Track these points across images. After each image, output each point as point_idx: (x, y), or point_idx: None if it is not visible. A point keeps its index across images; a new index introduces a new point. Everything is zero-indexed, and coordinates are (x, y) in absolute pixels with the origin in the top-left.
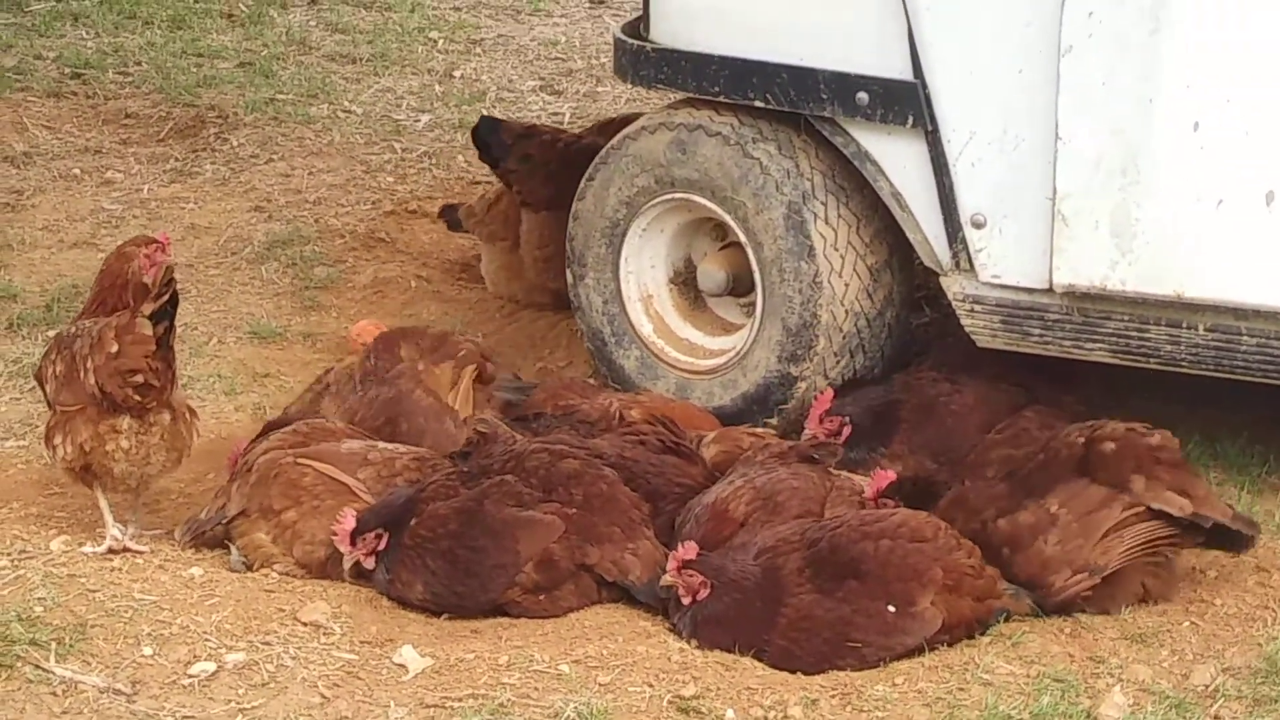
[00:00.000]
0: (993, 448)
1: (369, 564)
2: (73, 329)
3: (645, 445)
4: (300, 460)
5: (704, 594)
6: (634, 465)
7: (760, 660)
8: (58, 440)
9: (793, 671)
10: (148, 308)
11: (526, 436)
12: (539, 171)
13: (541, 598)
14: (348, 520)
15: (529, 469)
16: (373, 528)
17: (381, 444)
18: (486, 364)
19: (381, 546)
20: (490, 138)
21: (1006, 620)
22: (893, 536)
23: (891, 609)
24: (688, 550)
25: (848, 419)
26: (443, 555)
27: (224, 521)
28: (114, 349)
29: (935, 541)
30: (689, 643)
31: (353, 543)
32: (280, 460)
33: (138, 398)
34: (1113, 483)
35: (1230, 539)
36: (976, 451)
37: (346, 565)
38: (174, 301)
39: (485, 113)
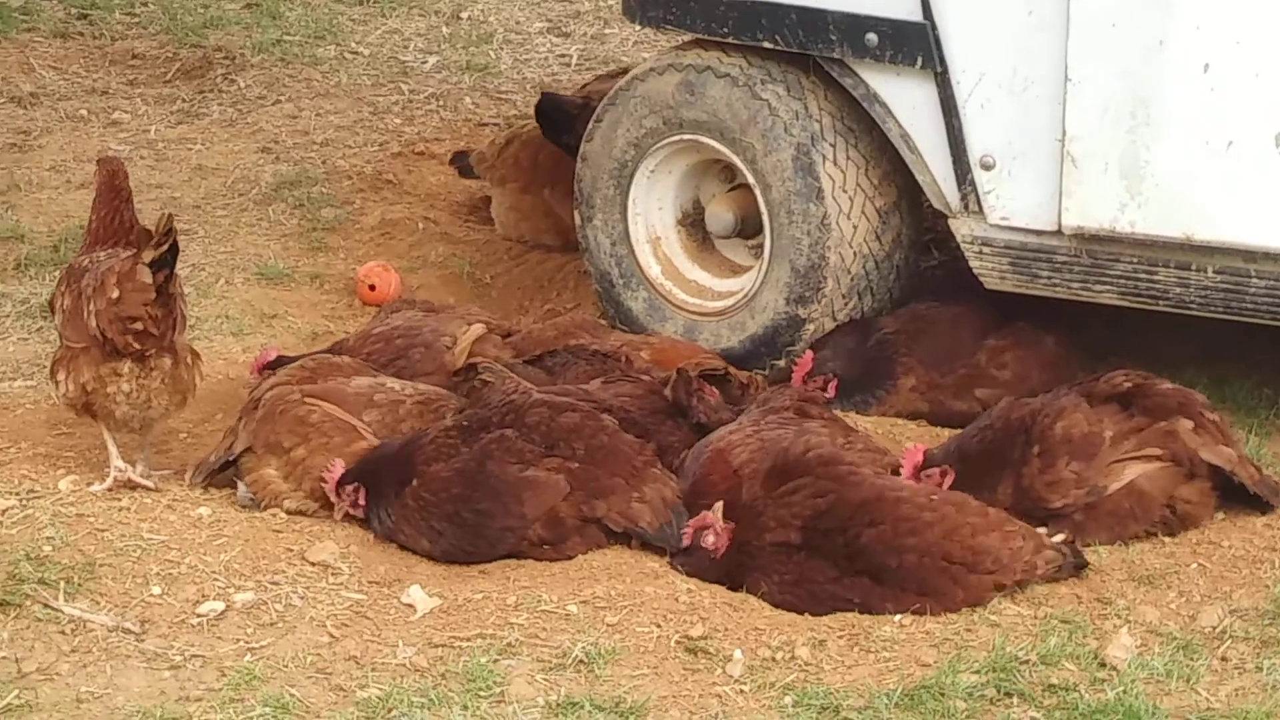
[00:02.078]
0: (1002, 351)
1: (356, 513)
2: (85, 261)
3: (641, 399)
4: (307, 399)
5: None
6: (635, 419)
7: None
8: (61, 376)
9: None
10: (148, 255)
11: (537, 381)
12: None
13: (548, 549)
14: (336, 469)
15: (530, 424)
16: (350, 482)
17: (389, 382)
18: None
19: (361, 501)
20: (554, 113)
21: None
22: (924, 553)
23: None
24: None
25: (832, 374)
26: (448, 519)
27: (232, 459)
28: (115, 295)
29: (976, 563)
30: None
31: (338, 492)
32: (287, 397)
33: (137, 345)
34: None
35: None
36: (987, 352)
37: (337, 514)
38: (174, 250)
39: (494, 53)
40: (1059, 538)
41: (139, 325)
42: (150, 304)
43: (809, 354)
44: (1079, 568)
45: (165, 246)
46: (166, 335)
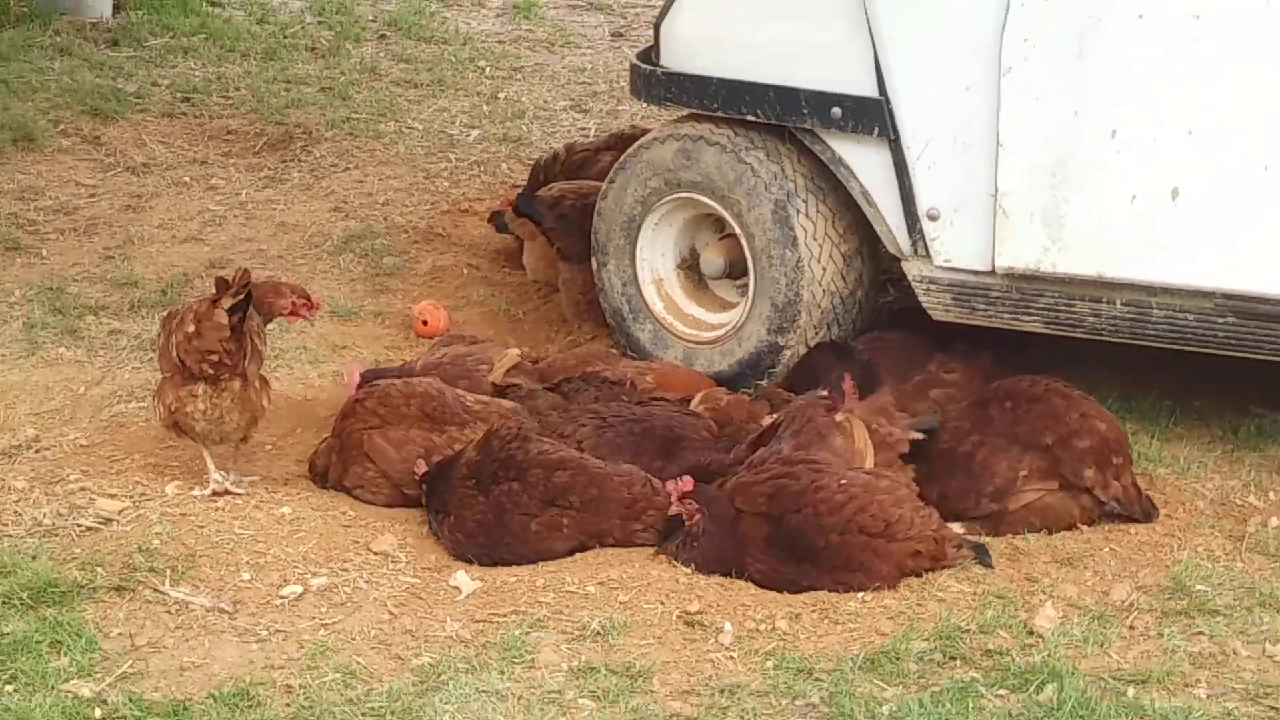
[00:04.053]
0: (950, 361)
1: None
2: (179, 308)
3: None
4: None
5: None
6: (658, 419)
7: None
8: (154, 402)
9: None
10: (227, 302)
11: (555, 406)
12: (574, 228)
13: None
14: (420, 466)
15: (530, 483)
16: (422, 482)
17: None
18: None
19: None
20: (529, 209)
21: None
22: (843, 531)
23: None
24: (685, 483)
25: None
26: (480, 550)
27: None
28: (191, 329)
29: (889, 533)
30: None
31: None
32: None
33: (210, 370)
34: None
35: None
36: (937, 363)
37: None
38: (248, 298)
39: (526, 127)
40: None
41: (214, 356)
42: (225, 340)
43: (849, 380)
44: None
45: (240, 296)
46: (239, 364)
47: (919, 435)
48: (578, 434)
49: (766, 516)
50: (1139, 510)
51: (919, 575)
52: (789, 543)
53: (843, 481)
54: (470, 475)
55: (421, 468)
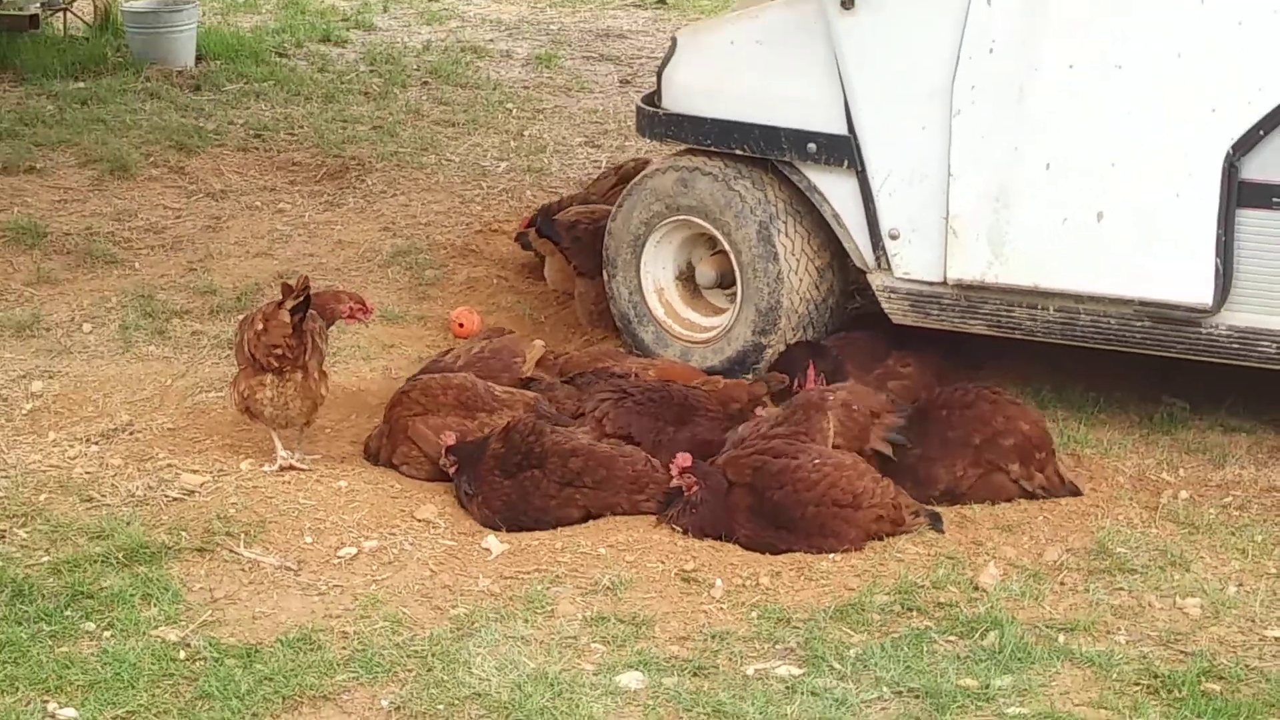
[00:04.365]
0: (905, 358)
1: (450, 471)
2: (252, 312)
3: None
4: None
5: (696, 490)
6: (676, 393)
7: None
8: (230, 391)
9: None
10: (289, 304)
11: (569, 397)
12: (587, 248)
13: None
14: (449, 438)
15: (549, 469)
16: (451, 455)
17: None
18: (549, 353)
19: (452, 471)
20: (549, 230)
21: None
22: (818, 504)
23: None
24: (684, 459)
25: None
26: (505, 521)
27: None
28: (260, 328)
29: (856, 503)
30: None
31: (446, 454)
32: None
33: (275, 363)
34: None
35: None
36: (894, 358)
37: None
38: (307, 301)
39: (547, 160)
40: None
41: (279, 351)
42: (288, 337)
43: (812, 367)
44: (935, 523)
45: (300, 299)
46: (300, 358)
47: (888, 450)
48: (599, 408)
49: (751, 488)
50: (1064, 494)
51: (881, 539)
52: (772, 513)
53: (816, 460)
54: (496, 466)
55: (449, 439)
